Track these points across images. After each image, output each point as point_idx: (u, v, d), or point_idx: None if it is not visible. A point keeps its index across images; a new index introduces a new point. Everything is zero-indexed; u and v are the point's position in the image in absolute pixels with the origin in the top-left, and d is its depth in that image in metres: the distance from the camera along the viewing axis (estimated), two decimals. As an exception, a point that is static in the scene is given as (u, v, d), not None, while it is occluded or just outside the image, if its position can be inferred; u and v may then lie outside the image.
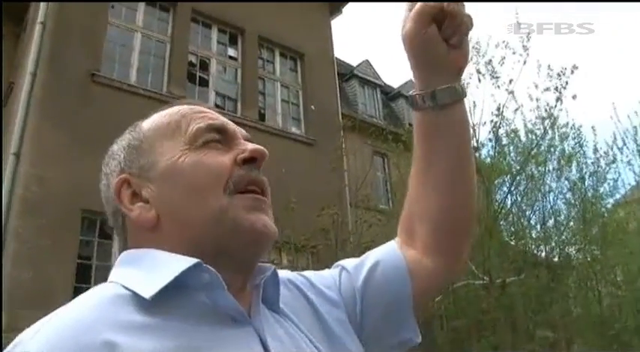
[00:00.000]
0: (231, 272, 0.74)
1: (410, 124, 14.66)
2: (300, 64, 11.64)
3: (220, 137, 0.81)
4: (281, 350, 0.71)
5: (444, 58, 0.86)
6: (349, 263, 0.97)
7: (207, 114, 0.85)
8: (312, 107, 11.10)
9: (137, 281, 0.70)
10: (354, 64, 17.52)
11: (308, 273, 0.96)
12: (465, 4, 0.83)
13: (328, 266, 0.97)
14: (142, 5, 9.70)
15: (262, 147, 0.81)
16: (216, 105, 10.00)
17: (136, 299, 0.67)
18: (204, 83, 10.09)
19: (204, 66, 10.24)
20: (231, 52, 10.73)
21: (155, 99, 8.43)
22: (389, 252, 0.95)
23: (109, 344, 0.59)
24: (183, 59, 9.76)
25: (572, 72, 9.66)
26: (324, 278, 0.94)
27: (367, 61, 17.26)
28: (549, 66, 9.83)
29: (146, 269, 0.72)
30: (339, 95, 12.21)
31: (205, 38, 10.48)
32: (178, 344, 0.63)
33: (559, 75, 9.74)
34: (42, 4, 8.42)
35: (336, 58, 12.70)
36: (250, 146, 0.80)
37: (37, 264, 6.76)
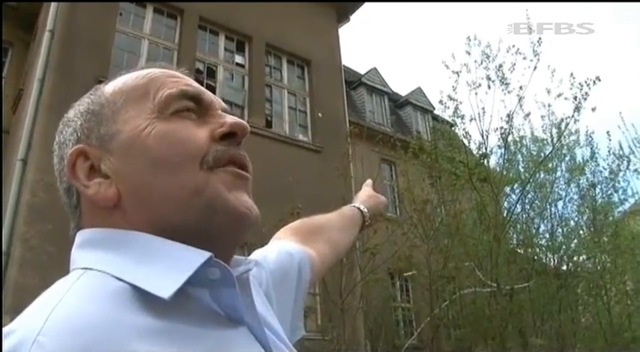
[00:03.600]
0: None
1: (418, 132, 14.65)
2: (308, 72, 11.64)
3: (194, 107, 0.70)
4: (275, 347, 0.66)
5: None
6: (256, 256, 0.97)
7: (180, 79, 0.73)
8: (320, 114, 11.09)
9: (138, 274, 0.59)
10: (362, 71, 17.55)
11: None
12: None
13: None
14: (149, 12, 9.74)
15: (243, 121, 0.71)
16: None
17: (141, 296, 0.57)
18: (211, 90, 9.85)
19: (212, 73, 10.26)
20: (238, 59, 10.75)
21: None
22: (290, 245, 1.04)
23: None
24: (191, 66, 9.77)
25: (595, 83, 9.52)
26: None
27: (375, 68, 17.27)
28: (572, 74, 9.69)
29: (143, 259, 0.61)
30: (346, 102, 12.20)
31: (213, 45, 10.51)
32: (203, 350, 0.56)
33: (581, 85, 9.59)
34: (51, 13, 8.47)
35: (344, 66, 12.71)
36: (230, 119, 0.70)
37: (44, 270, 6.75)
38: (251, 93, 10.44)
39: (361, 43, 67.78)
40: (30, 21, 10.35)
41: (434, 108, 15.76)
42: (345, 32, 13.29)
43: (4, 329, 0.52)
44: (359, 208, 1.33)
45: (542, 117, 11.06)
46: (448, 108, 9.95)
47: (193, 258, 0.60)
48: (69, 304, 0.54)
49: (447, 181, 10.38)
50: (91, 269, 0.60)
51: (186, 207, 0.64)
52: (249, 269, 0.69)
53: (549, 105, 10.99)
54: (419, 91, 18.07)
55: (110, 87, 0.74)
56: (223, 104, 0.76)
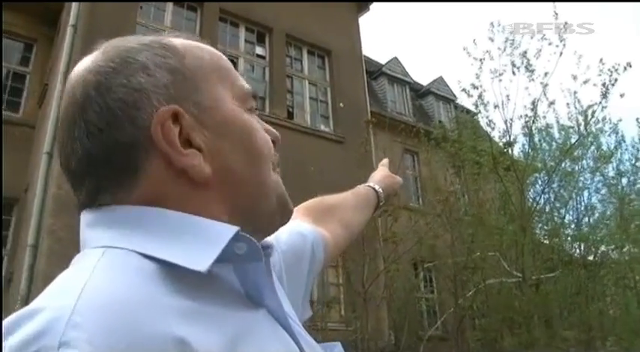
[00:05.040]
0: None
1: (440, 121, 14.52)
2: (328, 62, 11.59)
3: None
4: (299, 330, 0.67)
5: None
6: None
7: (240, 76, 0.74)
8: (341, 104, 11.04)
9: (167, 249, 0.54)
10: (383, 61, 17.42)
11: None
12: None
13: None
14: (170, 5, 9.77)
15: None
16: (245, 104, 10.01)
17: (172, 273, 0.53)
18: (232, 82, 10.07)
19: (233, 65, 10.19)
20: (259, 50, 10.73)
21: (185, 99, 8.46)
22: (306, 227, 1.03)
23: (180, 342, 0.46)
24: (212, 58, 9.76)
25: (625, 69, 9.31)
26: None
27: (396, 58, 17.12)
28: (601, 60, 9.48)
29: (169, 235, 0.56)
30: (367, 92, 12.13)
31: (233, 37, 10.50)
32: (232, 333, 0.53)
33: (610, 71, 9.38)
34: (73, 9, 8.54)
35: (365, 56, 12.62)
36: (273, 130, 0.74)
37: (71, 261, 6.83)
38: (272, 84, 10.42)
39: (382, 33, 67.38)
40: (53, 17, 10.45)
41: (456, 98, 15.61)
42: (365, 22, 13.15)
43: (27, 308, 0.46)
44: (373, 188, 1.31)
45: (567, 104, 10.86)
46: (471, 96, 9.82)
47: (223, 231, 0.57)
48: (99, 281, 0.48)
49: (471, 170, 10.27)
50: (110, 247, 0.55)
51: (264, 199, 0.67)
52: (269, 253, 0.68)
53: (575, 93, 10.79)
54: (441, 80, 17.90)
55: (185, 49, 0.66)
56: None
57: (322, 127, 10.93)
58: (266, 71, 10.61)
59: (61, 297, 0.47)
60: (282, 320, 0.63)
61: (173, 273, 0.53)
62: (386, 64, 17.04)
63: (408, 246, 8.74)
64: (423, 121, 15.01)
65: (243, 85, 0.71)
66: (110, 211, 0.59)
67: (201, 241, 0.56)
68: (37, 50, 10.85)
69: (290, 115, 10.56)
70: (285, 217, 0.71)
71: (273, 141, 0.72)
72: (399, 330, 9.13)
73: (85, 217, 0.61)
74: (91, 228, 0.59)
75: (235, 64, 10.18)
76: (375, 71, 16.39)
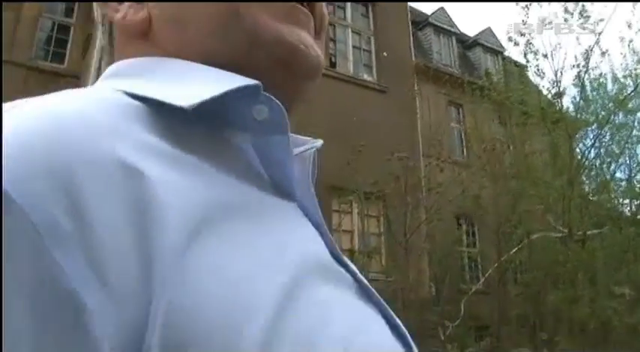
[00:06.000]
0: None
1: (487, 73, 14.09)
2: (372, 10, 11.29)
3: None
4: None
5: None
6: None
7: None
8: (384, 54, 10.80)
9: (161, 89, 0.44)
10: (429, 12, 16.90)
11: None
12: None
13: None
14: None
15: None
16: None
17: (161, 114, 0.42)
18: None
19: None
20: (302, -2, 10.52)
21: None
22: None
23: (129, 169, 0.35)
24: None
25: None
26: None
27: (442, 8, 16.57)
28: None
29: (172, 79, 0.46)
30: (412, 42, 11.81)
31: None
32: (218, 193, 0.39)
33: None
34: None
35: (410, 6, 12.25)
36: None
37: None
38: (314, 32, 10.23)
39: (428, -15, 65.35)
40: (90, 12, 10.46)
41: (504, 50, 15.06)
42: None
43: None
44: None
45: (622, 54, 10.33)
46: (517, 44, 9.44)
47: (237, 80, 0.44)
48: (62, 98, 0.39)
49: (518, 121, 9.95)
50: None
51: (223, 31, 0.49)
52: (314, 146, 0.55)
53: (631, 41, 10.24)
54: (489, 32, 17.28)
55: None
56: None
57: (365, 76, 10.74)
58: (309, 19, 10.41)
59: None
60: (315, 220, 0.48)
61: (168, 115, 0.42)
62: (432, 14, 16.52)
63: (451, 197, 8.59)
64: (469, 74, 14.58)
65: None
66: (119, 65, 0.52)
67: (205, 84, 0.44)
68: (2, 41, 10.80)
69: (332, 64, 10.39)
70: (278, 50, 0.49)
71: None
72: (440, 283, 9.08)
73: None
74: (106, 78, 0.52)
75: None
76: (420, 21, 15.91)
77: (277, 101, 0.43)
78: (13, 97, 0.40)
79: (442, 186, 8.21)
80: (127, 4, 0.53)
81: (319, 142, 0.56)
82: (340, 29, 10.86)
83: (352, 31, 10.98)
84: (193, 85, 0.44)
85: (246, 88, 0.43)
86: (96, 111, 0.38)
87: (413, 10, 13.27)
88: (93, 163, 0.33)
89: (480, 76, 14.35)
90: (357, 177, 7.48)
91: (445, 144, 10.39)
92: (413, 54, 11.57)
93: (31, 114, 0.35)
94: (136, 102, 0.43)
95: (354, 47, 10.89)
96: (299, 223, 0.46)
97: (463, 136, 13.53)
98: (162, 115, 0.42)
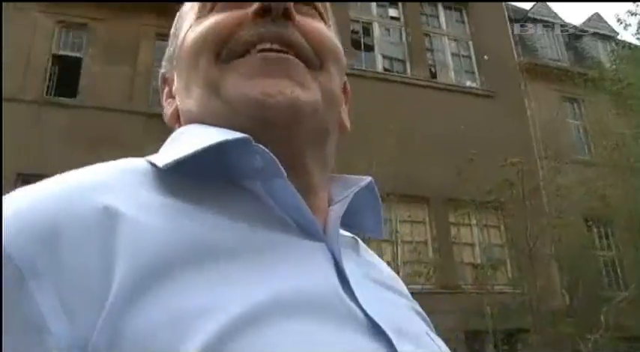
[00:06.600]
0: None
1: (597, 63, 13.17)
2: (467, 14, 10.99)
3: None
4: (365, 292, 0.48)
5: None
6: None
7: None
8: (485, 57, 10.44)
9: (166, 152, 0.51)
10: (528, 7, 16.20)
11: None
12: None
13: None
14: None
15: None
16: (385, 69, 9.85)
17: (159, 174, 0.48)
18: (369, 48, 9.96)
19: (367, 31, 10.12)
20: (392, 12, 10.48)
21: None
22: None
23: (109, 210, 0.41)
24: (345, 27, 9.70)
25: None
26: None
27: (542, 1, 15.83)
28: None
29: (180, 143, 0.52)
30: (513, 41, 11.33)
31: (364, 3, 10.33)
32: (202, 235, 0.43)
33: None
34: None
35: (507, 4, 11.80)
36: None
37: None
38: (410, 45, 10.14)
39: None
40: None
41: (617, 33, 14.08)
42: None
43: None
44: None
45: None
46: (629, 25, 8.72)
47: (227, 135, 0.48)
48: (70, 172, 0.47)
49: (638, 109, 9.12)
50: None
51: (209, 109, 0.54)
52: (360, 186, 0.58)
53: None
54: (597, 17, 16.21)
55: (181, 11, 0.67)
56: None
57: (468, 83, 10.44)
58: (402, 33, 10.32)
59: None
60: (339, 260, 0.50)
61: (165, 174, 0.48)
62: (532, 8, 15.81)
63: (576, 198, 8.00)
64: (580, 64, 13.70)
65: None
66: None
67: (193, 144, 0.48)
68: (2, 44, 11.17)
69: (433, 75, 10.21)
70: (246, 112, 0.51)
71: (262, 8, 0.53)
72: (573, 291, 8.44)
73: None
74: None
75: (370, 30, 10.02)
76: (520, 18, 15.28)
77: (267, 151, 0.47)
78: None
79: (564, 187, 7.67)
80: (169, 99, 0.63)
81: (364, 181, 0.59)
82: (436, 39, 10.66)
83: (449, 39, 10.75)
84: (186, 145, 0.49)
85: (238, 140, 0.47)
86: (104, 176, 0.46)
87: (510, 7, 12.76)
88: (75, 215, 0.40)
89: (594, 65, 13.47)
90: (471, 187, 7.19)
91: (563, 143, 9.76)
92: (516, 53, 11.08)
93: (36, 185, 0.44)
94: (148, 166, 0.49)
95: (452, 55, 10.63)
96: (309, 260, 0.48)
97: (582, 132, 12.66)
98: (165, 174, 0.48)
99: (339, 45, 0.60)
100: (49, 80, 9.72)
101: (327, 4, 0.64)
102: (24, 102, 9.09)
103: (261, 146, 0.47)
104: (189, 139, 0.51)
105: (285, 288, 0.43)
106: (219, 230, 0.45)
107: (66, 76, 9.75)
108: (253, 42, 0.53)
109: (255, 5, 0.53)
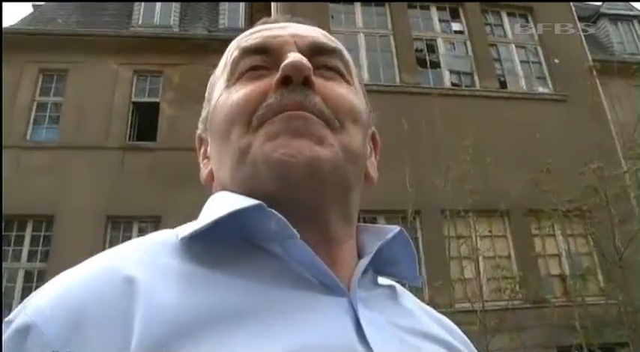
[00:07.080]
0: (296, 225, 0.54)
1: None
2: (532, 19, 10.75)
3: (263, 59, 0.62)
4: (383, 342, 0.52)
5: None
6: None
7: (259, 32, 0.66)
8: (556, 61, 10.14)
9: (199, 218, 0.58)
10: (598, 2, 15.57)
11: None
12: None
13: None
14: (358, 7, 10.00)
15: (297, 55, 0.59)
16: (453, 84, 9.79)
17: (182, 243, 0.55)
18: (435, 65, 9.95)
19: (432, 48, 10.11)
20: (455, 26, 10.41)
21: (390, 93, 8.59)
22: None
23: (128, 280, 0.48)
24: (410, 46, 9.76)
25: None
26: None
27: (614, -6, 15.17)
28: None
29: (210, 209, 0.59)
30: (584, 40, 10.95)
31: (426, 20, 10.34)
32: (220, 299, 0.49)
33: None
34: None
35: (573, 2, 11.43)
36: (287, 59, 0.59)
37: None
38: (476, 57, 10.03)
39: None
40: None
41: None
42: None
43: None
44: None
45: None
46: None
47: (240, 203, 0.54)
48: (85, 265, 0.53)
49: None
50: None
51: (237, 177, 0.59)
52: (384, 241, 0.60)
53: None
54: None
55: (215, 72, 0.73)
56: (309, 38, 0.64)
57: (540, 89, 10.17)
58: (467, 45, 10.23)
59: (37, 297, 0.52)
60: (359, 316, 0.53)
61: (185, 244, 0.55)
62: (603, 3, 15.19)
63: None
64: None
65: (233, 54, 0.65)
66: None
67: (211, 214, 0.56)
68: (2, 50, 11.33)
69: (502, 85, 10.03)
70: (268, 174, 0.56)
71: (285, 78, 0.58)
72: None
73: None
74: None
75: (434, 47, 10.01)
76: (591, 15, 14.72)
77: (279, 215, 0.52)
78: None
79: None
80: (205, 160, 0.69)
81: (392, 232, 0.61)
82: (503, 47, 10.48)
83: (516, 46, 10.54)
84: (207, 215, 0.56)
85: (253, 207, 0.53)
86: (131, 251, 0.53)
87: (578, 5, 12.35)
88: (99, 294, 0.47)
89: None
90: (551, 196, 6.99)
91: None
92: (588, 52, 10.70)
93: (69, 272, 0.52)
94: (174, 237, 0.56)
95: (521, 62, 10.41)
96: (325, 316, 0.51)
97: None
98: (189, 242, 0.54)
99: (360, 104, 0.64)
100: (131, 126, 10.33)
101: (351, 63, 0.68)
102: (109, 149, 9.71)
103: (273, 211, 0.52)
104: (214, 208, 0.57)
105: (296, 345, 0.46)
106: (232, 292, 0.49)
107: (145, 120, 10.34)
108: (280, 110, 0.57)
109: (278, 75, 0.58)
